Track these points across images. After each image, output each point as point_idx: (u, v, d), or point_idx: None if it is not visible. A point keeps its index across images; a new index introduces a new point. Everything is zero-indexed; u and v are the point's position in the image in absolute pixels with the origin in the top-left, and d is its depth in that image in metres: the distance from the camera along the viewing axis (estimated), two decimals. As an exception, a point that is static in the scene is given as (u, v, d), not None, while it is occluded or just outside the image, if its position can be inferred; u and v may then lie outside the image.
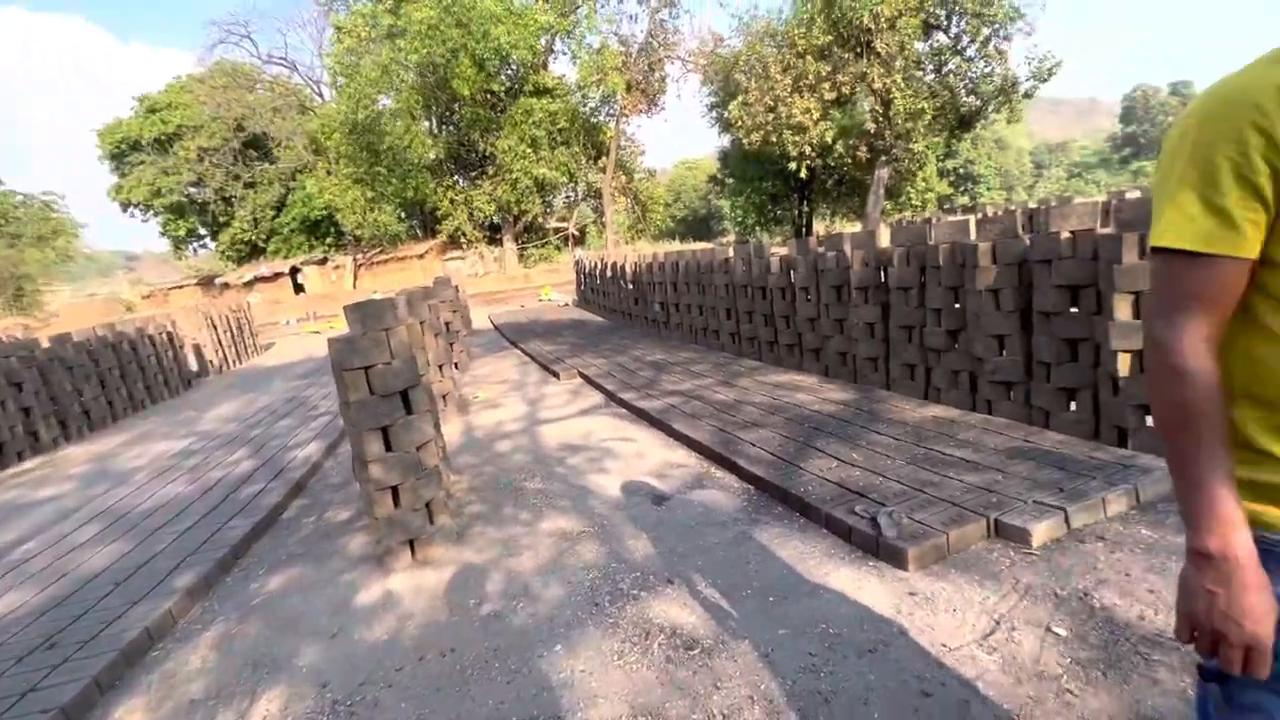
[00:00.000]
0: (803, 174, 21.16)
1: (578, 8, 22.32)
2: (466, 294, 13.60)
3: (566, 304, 15.03)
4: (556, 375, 6.96)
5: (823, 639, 2.10)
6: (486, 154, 24.36)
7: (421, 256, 27.43)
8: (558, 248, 28.00)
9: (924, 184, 25.45)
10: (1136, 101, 68.98)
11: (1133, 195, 11.91)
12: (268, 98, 31.23)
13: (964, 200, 53.00)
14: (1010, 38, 18.92)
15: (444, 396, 5.71)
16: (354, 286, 28.11)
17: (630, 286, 10.10)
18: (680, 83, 25.45)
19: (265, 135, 30.41)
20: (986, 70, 19.60)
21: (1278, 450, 0.79)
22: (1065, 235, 3.39)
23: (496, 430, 5.18)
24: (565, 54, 24.34)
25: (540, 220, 26.73)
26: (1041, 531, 2.49)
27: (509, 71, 23.70)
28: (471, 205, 24.92)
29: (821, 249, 5.44)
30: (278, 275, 29.00)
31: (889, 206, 25.42)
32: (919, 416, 4.05)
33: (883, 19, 18.09)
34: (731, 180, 29.33)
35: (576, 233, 28.07)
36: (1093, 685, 1.76)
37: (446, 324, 7.55)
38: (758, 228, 30.03)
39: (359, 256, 29.01)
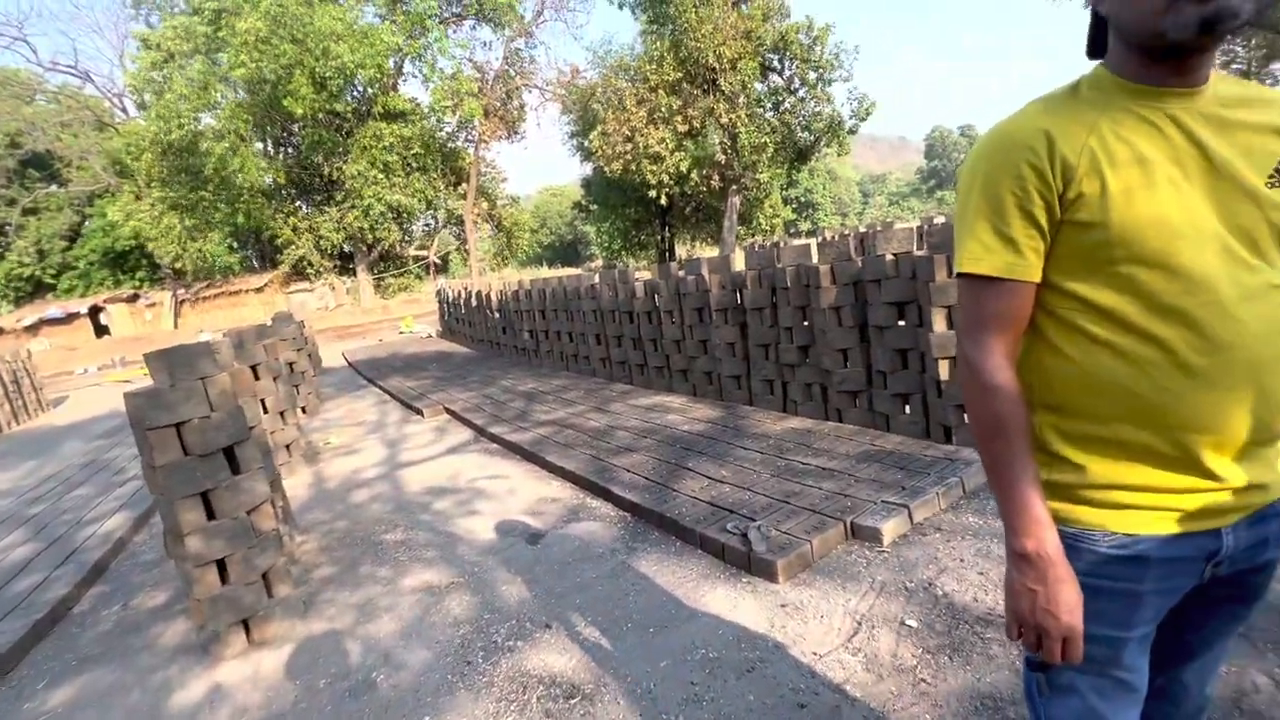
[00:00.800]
0: (662, 201, 22.06)
1: (428, 31, 21.69)
2: (314, 329, 12.45)
3: (430, 336, 14.27)
4: (420, 413, 6.53)
5: (703, 665, 2.09)
6: (333, 179, 22.70)
7: (260, 290, 24.78)
8: (419, 277, 26.66)
9: (771, 210, 27.57)
10: (935, 140, 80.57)
11: (939, 220, 13.82)
12: (52, 110, 26.80)
13: (807, 225, 58.39)
14: (832, 82, 21.28)
15: (288, 447, 5.11)
16: (175, 326, 24.67)
17: (497, 315, 9.82)
18: (539, 111, 25.69)
19: (50, 154, 26.00)
20: (816, 110, 21.83)
21: (1067, 452, 0.88)
22: (889, 257, 3.79)
23: (352, 479, 4.72)
24: (417, 77, 23.53)
25: (398, 248, 25.33)
26: (890, 529, 2.71)
27: (355, 92, 22.39)
28: (317, 233, 23.01)
29: (682, 273, 5.64)
30: (73, 317, 24.69)
31: (742, 231, 27.23)
32: (780, 429, 4.28)
33: (725, 60, 19.57)
34: (596, 207, 29.84)
35: (438, 261, 26.94)
36: (942, 671, 1.90)
37: (289, 364, 6.83)
38: (624, 252, 30.76)
39: (181, 292, 25.55)
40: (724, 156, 20.55)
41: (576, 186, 37.69)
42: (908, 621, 2.16)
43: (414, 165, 22.37)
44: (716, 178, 21.09)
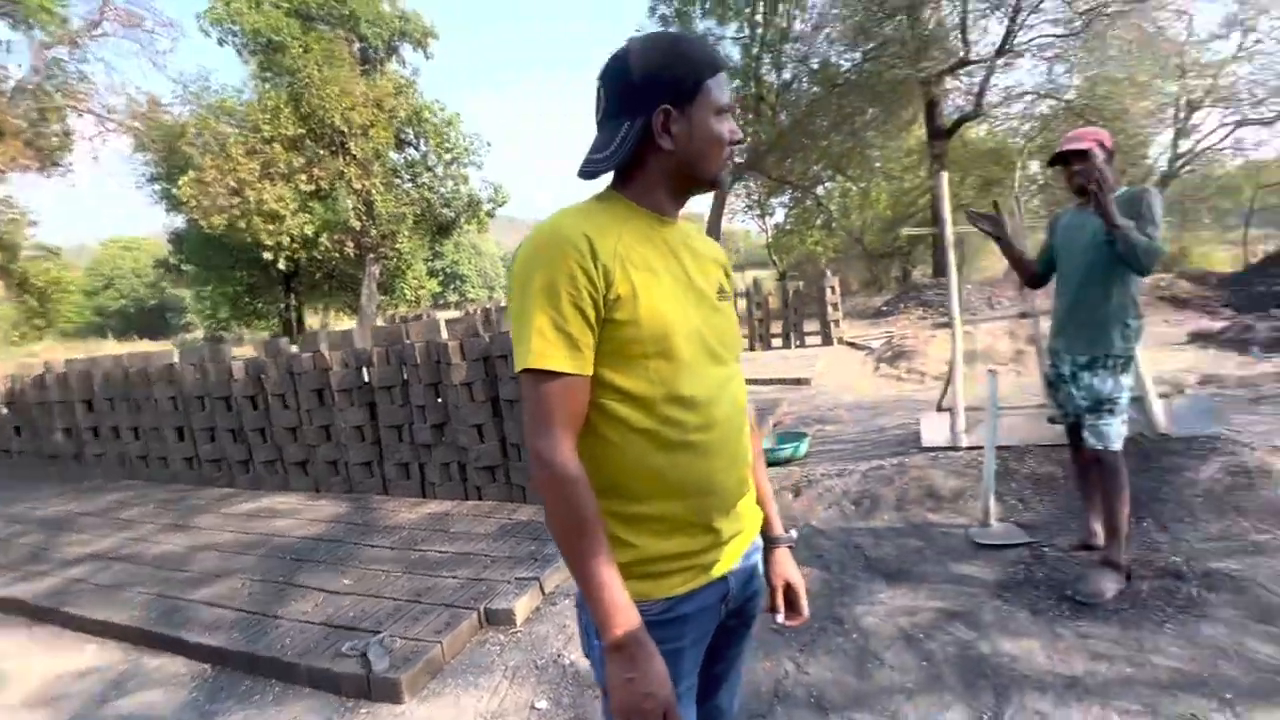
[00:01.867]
0: (282, 265, 19.38)
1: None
2: None
3: None
4: None
5: None
6: None
7: None
8: None
9: (416, 281, 26.97)
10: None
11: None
12: None
13: (455, 297, 58.97)
14: (466, 165, 22.41)
15: None
16: None
17: (3, 411, 6.89)
18: (98, 142, 19.78)
19: None
20: (455, 189, 22.54)
21: (620, 532, 0.95)
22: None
23: None
24: None
25: None
26: (523, 607, 2.69)
27: None
28: None
29: (295, 350, 4.90)
30: None
31: (385, 301, 25.83)
32: (415, 516, 3.97)
33: (355, 125, 18.72)
34: (192, 267, 24.41)
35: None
36: (569, 748, 1.91)
37: None
38: (234, 322, 25.74)
39: None
40: (359, 223, 19.34)
41: (162, 240, 30.19)
42: (538, 704, 2.13)
43: None
44: (352, 245, 19.64)
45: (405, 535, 3.63)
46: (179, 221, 23.06)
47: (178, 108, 20.64)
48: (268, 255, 18.32)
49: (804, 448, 4.15)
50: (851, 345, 10.37)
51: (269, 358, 4.98)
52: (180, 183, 17.69)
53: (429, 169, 22.15)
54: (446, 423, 4.32)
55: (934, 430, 3.54)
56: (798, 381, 7.40)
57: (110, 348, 26.40)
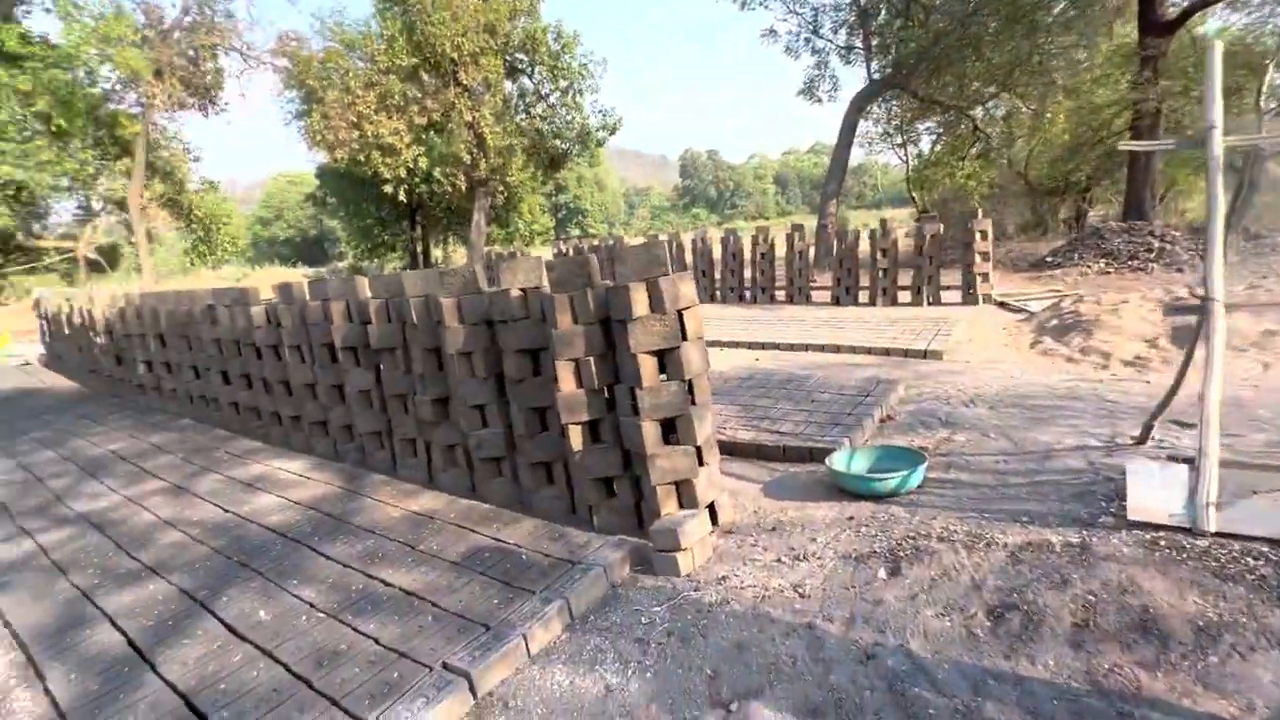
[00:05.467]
0: (402, 198, 19.79)
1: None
2: None
3: (28, 364, 10.34)
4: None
5: None
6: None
7: None
8: (66, 276, 20.19)
9: (530, 215, 26.83)
10: (688, 161, 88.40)
11: (691, 237, 12.98)
12: None
13: (577, 232, 59.29)
14: (581, 92, 21.21)
15: None
16: None
17: (102, 339, 7.21)
18: (244, 80, 21.03)
19: None
20: (568, 118, 21.57)
21: None
22: (516, 293, 2.99)
23: None
24: (50, 10, 17.70)
25: (21, 237, 18.82)
26: (434, 721, 1.80)
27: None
28: None
29: (309, 298, 4.29)
30: None
31: (500, 234, 26.02)
32: (399, 514, 3.23)
33: (465, 52, 18.16)
34: (333, 200, 25.96)
35: (95, 256, 20.72)
36: None
37: None
38: (369, 254, 27.28)
39: None
40: (469, 156, 19.12)
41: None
42: None
43: (43, 128, 16.68)
44: (462, 178, 19.57)
45: (370, 546, 2.89)
46: (322, 156, 24.37)
47: (317, 42, 21.26)
48: (387, 188, 18.73)
49: (917, 477, 2.84)
50: (1003, 306, 8.31)
51: (283, 303, 4.43)
52: (310, 117, 18.33)
53: (542, 98, 21.32)
54: (451, 397, 3.51)
55: (1151, 491, 2.10)
56: (924, 354, 5.81)
57: (284, 274, 29.09)
